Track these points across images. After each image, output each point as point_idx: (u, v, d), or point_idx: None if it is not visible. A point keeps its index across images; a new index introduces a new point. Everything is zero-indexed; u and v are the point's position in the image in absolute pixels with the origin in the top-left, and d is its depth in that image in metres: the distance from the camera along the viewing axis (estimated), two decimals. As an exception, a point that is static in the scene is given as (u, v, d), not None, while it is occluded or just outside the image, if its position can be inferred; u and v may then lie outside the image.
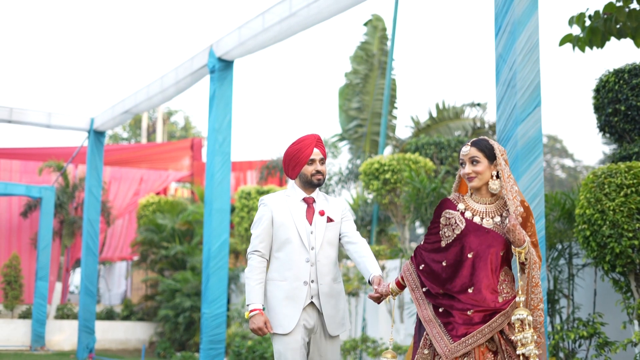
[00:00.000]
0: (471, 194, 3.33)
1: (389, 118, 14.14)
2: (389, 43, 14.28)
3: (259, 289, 3.61)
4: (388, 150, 14.49)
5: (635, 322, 5.42)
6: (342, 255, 10.29)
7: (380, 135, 12.36)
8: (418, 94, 43.42)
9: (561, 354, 5.81)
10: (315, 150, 3.74)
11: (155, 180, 17.35)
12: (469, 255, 3.19)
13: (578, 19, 5.40)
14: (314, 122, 45.11)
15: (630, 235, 5.23)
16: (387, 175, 8.93)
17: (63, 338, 13.80)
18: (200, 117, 43.28)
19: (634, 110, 6.62)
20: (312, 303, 3.64)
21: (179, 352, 11.70)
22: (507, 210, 3.23)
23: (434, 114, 13.64)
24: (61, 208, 14.66)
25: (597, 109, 7.01)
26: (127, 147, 22.12)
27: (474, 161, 3.25)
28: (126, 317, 15.01)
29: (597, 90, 7.00)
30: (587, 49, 5.49)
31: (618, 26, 5.33)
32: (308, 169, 3.72)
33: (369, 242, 11.20)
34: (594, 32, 5.37)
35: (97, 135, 11.57)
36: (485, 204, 3.28)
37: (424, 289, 3.30)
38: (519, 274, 3.17)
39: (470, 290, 3.16)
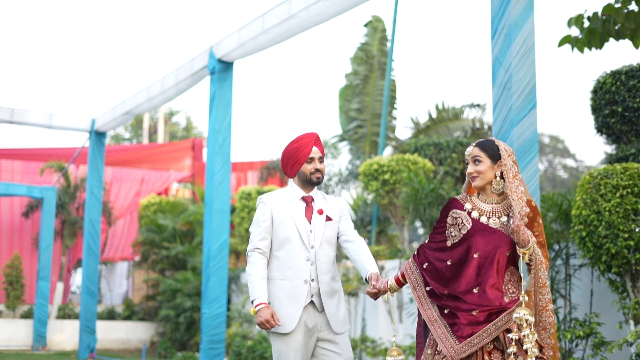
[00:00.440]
0: (478, 194, 3.34)
1: (389, 119, 14.18)
2: (388, 44, 14.32)
3: (263, 284, 3.59)
4: (388, 150, 14.53)
5: (631, 322, 5.46)
6: (341, 255, 10.33)
7: (380, 136, 12.41)
8: (418, 95, 43.45)
9: (558, 354, 5.85)
10: (314, 148, 3.73)
11: (157, 181, 17.40)
12: (475, 255, 3.19)
13: (577, 20, 5.43)
14: (314, 123, 45.17)
15: (626, 236, 5.27)
16: (386, 176, 8.97)
17: (64, 338, 13.85)
18: (201, 118, 43.33)
19: (631, 112, 6.66)
20: (312, 302, 3.64)
21: (180, 352, 11.75)
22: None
23: (434, 115, 13.69)
24: (62, 208, 14.71)
25: (595, 110, 7.06)
26: (128, 148, 22.17)
27: (476, 161, 3.27)
28: (127, 317, 15.06)
29: (594, 92, 7.05)
30: (586, 50, 5.53)
31: (617, 27, 5.36)
32: (307, 167, 3.71)
33: (369, 243, 11.24)
34: (592, 34, 5.40)
35: (98, 136, 11.62)
36: (492, 203, 3.28)
37: (427, 288, 3.31)
38: (524, 274, 3.16)
39: (475, 290, 3.16)
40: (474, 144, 3.34)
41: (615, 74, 6.82)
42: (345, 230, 3.78)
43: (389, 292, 3.49)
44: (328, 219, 3.73)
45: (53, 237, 13.69)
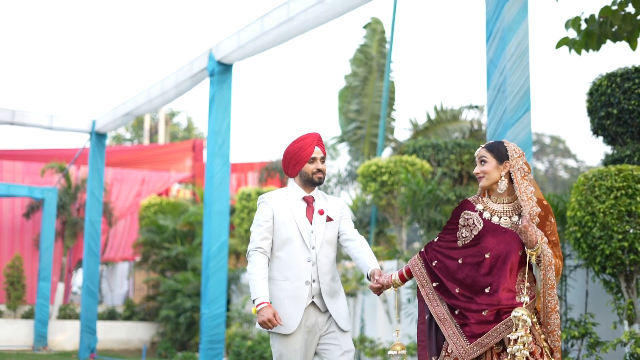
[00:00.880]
0: (489, 195, 3.35)
1: (388, 120, 14.23)
2: (387, 46, 14.37)
3: (265, 284, 3.57)
4: (387, 152, 14.58)
5: (625, 322, 5.51)
6: (340, 255, 10.38)
7: (379, 137, 12.45)
8: (416, 97, 43.50)
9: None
10: (317, 148, 3.72)
11: (157, 182, 17.45)
12: (487, 256, 3.19)
13: (574, 23, 5.47)
14: (314, 124, 45.19)
15: (620, 237, 5.32)
16: (384, 177, 9.02)
17: (65, 338, 13.91)
18: (203, 118, 43.38)
19: (626, 114, 6.71)
20: (313, 303, 3.63)
21: (180, 352, 11.80)
22: None
23: (432, 117, 13.74)
24: (63, 209, 14.77)
25: (591, 112, 7.10)
26: (129, 149, 22.23)
27: (482, 161, 3.29)
28: (128, 318, 15.12)
29: (590, 94, 7.10)
30: (588, 50, 5.57)
31: (613, 29, 5.41)
32: (309, 167, 3.70)
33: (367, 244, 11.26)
34: (589, 36, 5.44)
35: (98, 137, 11.67)
36: (503, 203, 3.29)
37: (434, 284, 3.30)
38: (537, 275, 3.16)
39: (487, 290, 3.15)
40: (482, 145, 3.36)
41: (610, 77, 6.87)
42: (346, 229, 3.78)
43: (392, 287, 3.49)
44: (329, 219, 3.73)
45: (54, 237, 13.75)
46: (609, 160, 6.78)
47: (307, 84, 50.86)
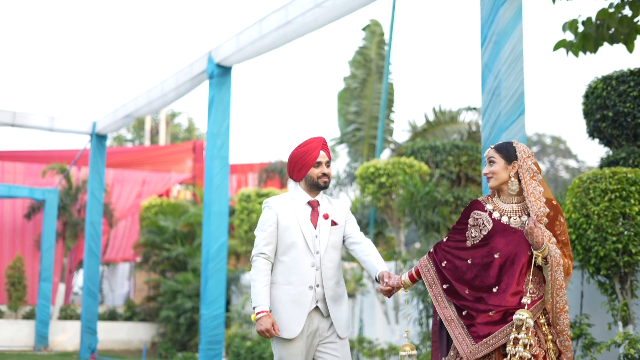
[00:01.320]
0: (499, 195, 3.35)
1: (387, 122, 14.27)
2: (386, 48, 14.42)
3: (266, 291, 3.59)
4: (386, 153, 14.63)
5: (620, 323, 5.56)
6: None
7: (378, 139, 12.50)
8: (415, 98, 43.55)
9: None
10: (322, 152, 3.72)
11: (158, 183, 17.50)
12: (496, 256, 3.19)
13: (571, 25, 5.52)
14: (313, 126, 45.26)
15: (614, 239, 5.37)
16: (383, 179, 9.07)
17: (66, 338, 13.96)
18: (204, 119, 43.45)
19: (621, 116, 6.77)
20: (316, 307, 3.63)
21: (180, 353, 11.86)
22: None
23: (431, 118, 13.79)
24: (64, 210, 14.82)
25: (587, 114, 7.16)
26: (129, 150, 22.29)
27: (491, 161, 3.31)
28: (129, 318, 15.17)
29: (586, 96, 7.15)
30: (587, 52, 5.61)
31: (610, 32, 5.45)
32: (314, 172, 3.70)
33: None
34: (586, 38, 5.48)
35: (99, 138, 11.72)
36: (512, 203, 3.30)
37: (444, 286, 3.31)
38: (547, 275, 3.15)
39: (494, 290, 3.16)
40: (492, 146, 3.38)
41: (606, 79, 6.92)
42: (352, 232, 3.78)
43: (402, 288, 3.48)
44: (333, 223, 3.72)
45: (55, 238, 13.80)
46: (604, 163, 6.83)
47: (307, 86, 50.93)
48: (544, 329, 3.18)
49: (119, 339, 14.42)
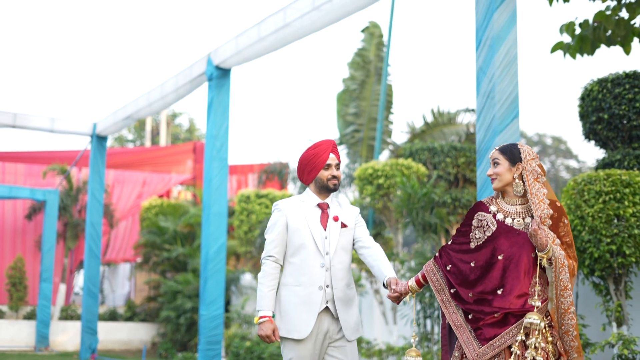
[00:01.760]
0: (503, 196, 3.36)
1: (385, 123, 14.32)
2: (385, 49, 14.46)
3: (271, 296, 3.61)
4: (385, 155, 14.67)
5: (614, 324, 5.61)
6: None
7: (376, 140, 12.54)
8: (414, 100, 43.58)
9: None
10: (332, 155, 3.74)
11: (158, 183, 17.56)
12: (499, 257, 3.20)
13: (567, 28, 5.56)
14: (313, 127, 45.30)
15: (609, 240, 5.42)
16: (381, 181, 9.11)
17: (67, 339, 14.02)
18: (204, 120, 43.49)
19: (617, 119, 6.81)
20: (326, 308, 3.63)
21: (180, 353, 11.91)
22: None
23: (429, 120, 13.84)
24: (65, 211, 14.89)
25: (582, 116, 7.20)
26: (130, 151, 22.35)
27: (495, 163, 3.33)
28: (129, 318, 15.23)
29: (582, 99, 7.20)
30: (578, 55, 5.66)
31: (607, 34, 5.49)
32: (324, 174, 3.72)
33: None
34: (583, 40, 5.53)
35: (99, 139, 11.78)
36: (516, 204, 3.30)
37: (451, 291, 3.32)
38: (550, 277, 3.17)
39: (499, 292, 3.17)
40: (496, 147, 3.40)
41: (601, 82, 6.97)
42: (361, 236, 3.79)
43: (410, 294, 3.50)
44: (343, 225, 3.74)
45: (55, 239, 13.86)
46: (600, 165, 6.88)
47: (306, 87, 50.98)
48: (544, 330, 3.19)
49: (120, 339, 14.48)
